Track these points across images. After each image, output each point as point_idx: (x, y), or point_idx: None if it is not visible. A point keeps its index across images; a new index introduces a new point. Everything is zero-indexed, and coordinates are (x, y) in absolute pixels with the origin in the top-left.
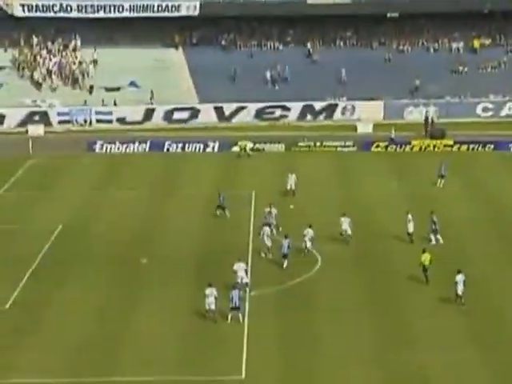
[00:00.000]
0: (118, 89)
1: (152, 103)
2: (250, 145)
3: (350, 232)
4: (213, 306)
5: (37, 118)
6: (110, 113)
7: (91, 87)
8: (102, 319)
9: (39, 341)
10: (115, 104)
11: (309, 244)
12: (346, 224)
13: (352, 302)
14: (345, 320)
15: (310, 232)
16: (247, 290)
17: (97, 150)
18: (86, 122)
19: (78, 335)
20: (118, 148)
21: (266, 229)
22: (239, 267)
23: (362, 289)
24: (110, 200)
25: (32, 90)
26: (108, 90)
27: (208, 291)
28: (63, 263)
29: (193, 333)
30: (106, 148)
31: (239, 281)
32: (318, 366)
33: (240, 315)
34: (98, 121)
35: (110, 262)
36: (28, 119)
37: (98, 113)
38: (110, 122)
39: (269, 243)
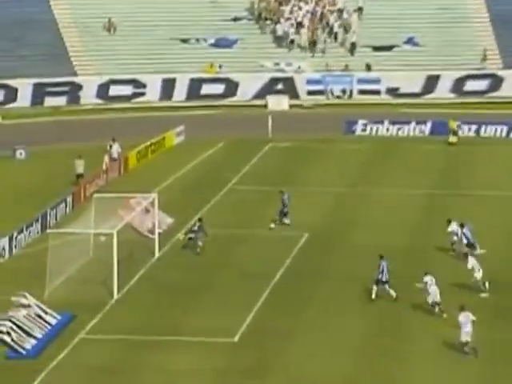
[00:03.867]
0: (390, 48)
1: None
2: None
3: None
4: (468, 338)
5: (279, 86)
6: (378, 81)
7: (353, 46)
8: (363, 355)
9: None
10: (385, 69)
11: None
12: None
13: None
14: None
15: None
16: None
17: (358, 132)
18: (344, 93)
19: (330, 377)
20: (388, 129)
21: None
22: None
23: None
24: (373, 200)
25: (274, 48)
26: (376, 49)
27: (462, 317)
28: (310, 281)
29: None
30: (371, 129)
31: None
32: None
33: None
34: (362, 92)
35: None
36: (268, 88)
37: (361, 81)
38: (377, 93)
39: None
